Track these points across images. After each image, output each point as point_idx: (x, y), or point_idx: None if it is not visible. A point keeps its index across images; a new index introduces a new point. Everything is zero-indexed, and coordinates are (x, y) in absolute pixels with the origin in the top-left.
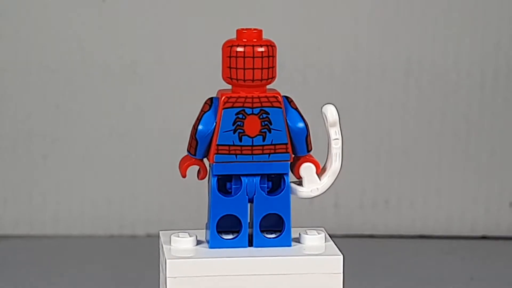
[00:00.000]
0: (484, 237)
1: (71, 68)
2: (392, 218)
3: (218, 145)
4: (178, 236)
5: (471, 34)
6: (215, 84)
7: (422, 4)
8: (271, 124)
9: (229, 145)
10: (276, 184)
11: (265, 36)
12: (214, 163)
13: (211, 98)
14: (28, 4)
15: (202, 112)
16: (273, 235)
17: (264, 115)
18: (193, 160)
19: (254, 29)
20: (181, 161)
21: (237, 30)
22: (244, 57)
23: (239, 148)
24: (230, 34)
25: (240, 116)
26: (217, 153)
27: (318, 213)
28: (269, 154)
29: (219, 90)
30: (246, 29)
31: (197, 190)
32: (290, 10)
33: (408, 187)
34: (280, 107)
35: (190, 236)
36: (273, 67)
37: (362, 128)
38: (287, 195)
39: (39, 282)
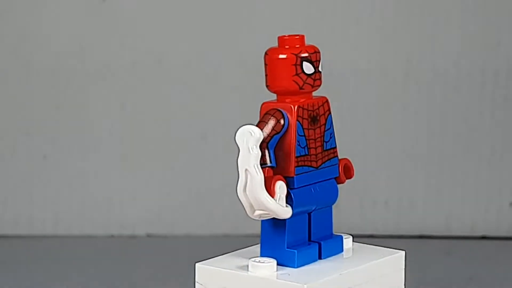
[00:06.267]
0: (484, 237)
1: (71, 68)
2: (392, 218)
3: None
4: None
5: (471, 34)
6: (215, 84)
7: (422, 4)
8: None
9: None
10: None
11: (262, 36)
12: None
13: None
14: (28, 4)
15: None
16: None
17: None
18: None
19: (297, 35)
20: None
21: (279, 37)
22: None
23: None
24: (229, 34)
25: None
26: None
27: None
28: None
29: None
30: (288, 35)
31: (198, 190)
32: (289, 10)
33: (408, 187)
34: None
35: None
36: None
37: (362, 128)
38: None
39: (39, 282)
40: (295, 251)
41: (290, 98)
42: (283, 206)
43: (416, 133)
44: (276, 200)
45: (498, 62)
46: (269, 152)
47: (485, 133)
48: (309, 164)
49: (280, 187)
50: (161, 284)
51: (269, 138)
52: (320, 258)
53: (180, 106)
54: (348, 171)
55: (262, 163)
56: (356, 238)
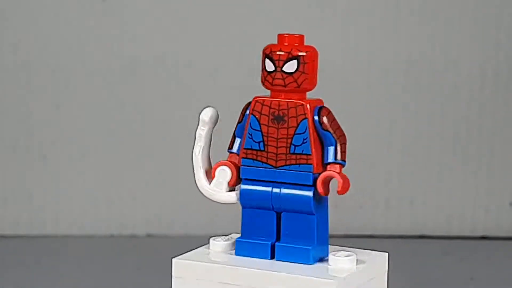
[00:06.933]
0: (484, 237)
1: (71, 68)
2: (392, 218)
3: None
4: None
5: (471, 34)
6: (215, 84)
7: (422, 4)
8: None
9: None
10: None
11: (262, 36)
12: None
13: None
14: (28, 4)
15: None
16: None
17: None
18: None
19: (297, 35)
20: None
21: (279, 35)
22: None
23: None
24: (229, 34)
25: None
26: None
27: None
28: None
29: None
30: (288, 34)
31: (198, 190)
32: (289, 10)
33: (408, 187)
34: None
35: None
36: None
37: (362, 128)
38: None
39: (39, 282)
40: (237, 240)
41: (283, 95)
42: (214, 190)
43: (416, 133)
44: (212, 183)
45: (498, 62)
46: (234, 139)
47: (485, 133)
48: (264, 160)
49: (220, 171)
50: (161, 284)
51: (236, 126)
52: (272, 258)
53: (180, 106)
54: (327, 186)
55: (229, 148)
56: (356, 238)
